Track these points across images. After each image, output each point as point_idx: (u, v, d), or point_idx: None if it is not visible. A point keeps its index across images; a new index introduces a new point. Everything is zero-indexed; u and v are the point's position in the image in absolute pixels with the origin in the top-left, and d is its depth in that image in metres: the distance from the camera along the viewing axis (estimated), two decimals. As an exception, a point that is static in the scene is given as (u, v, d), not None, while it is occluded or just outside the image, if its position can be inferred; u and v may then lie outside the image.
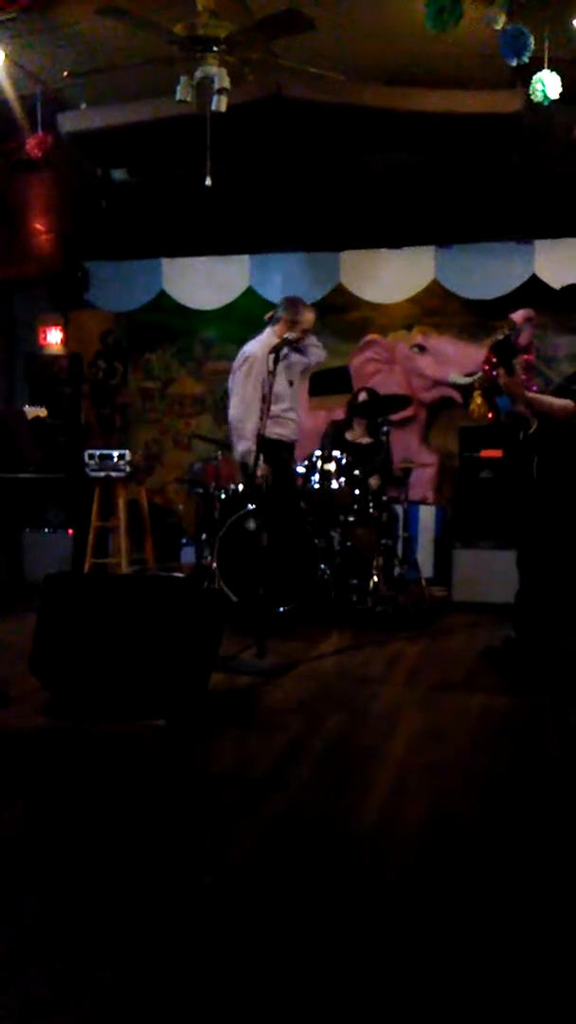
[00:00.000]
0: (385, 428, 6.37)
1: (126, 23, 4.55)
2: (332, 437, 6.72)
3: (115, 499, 6.81)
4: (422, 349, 7.62)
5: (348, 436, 6.72)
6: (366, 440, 6.66)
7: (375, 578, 6.07)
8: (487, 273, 7.02)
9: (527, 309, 6.76)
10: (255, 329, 7.92)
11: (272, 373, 4.69)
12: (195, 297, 7.74)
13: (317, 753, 3.05)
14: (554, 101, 4.68)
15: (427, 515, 7.24)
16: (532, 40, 4.35)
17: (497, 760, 3.03)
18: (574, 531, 4.23)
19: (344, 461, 6.19)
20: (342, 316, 7.85)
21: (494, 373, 5.89)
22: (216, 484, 6.38)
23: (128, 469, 6.72)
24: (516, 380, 4.19)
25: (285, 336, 4.81)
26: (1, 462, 4.47)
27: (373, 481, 6.31)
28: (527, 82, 4.71)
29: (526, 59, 4.43)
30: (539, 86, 4.60)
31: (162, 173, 6.88)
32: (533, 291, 6.78)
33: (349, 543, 6.21)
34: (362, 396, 6.76)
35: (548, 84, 4.59)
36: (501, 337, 4.51)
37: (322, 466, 6.21)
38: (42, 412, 5.06)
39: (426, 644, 5.09)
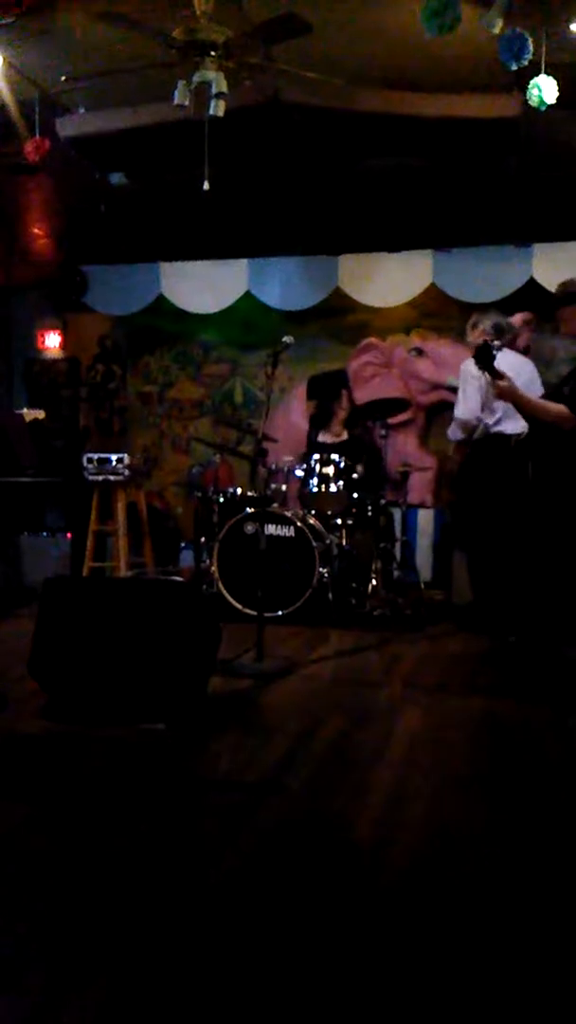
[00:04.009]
0: (384, 431, 6.38)
1: (124, 28, 4.56)
2: (308, 444, 6.78)
3: (114, 503, 6.82)
4: (420, 352, 7.63)
5: (322, 438, 6.76)
6: (343, 437, 6.71)
7: (373, 581, 6.08)
8: (485, 277, 7.04)
9: (525, 312, 6.77)
10: (253, 333, 8.00)
11: (270, 378, 4.68)
12: (193, 301, 7.76)
13: (316, 756, 3.05)
14: (551, 105, 4.68)
15: (425, 518, 7.26)
16: (531, 44, 4.36)
17: (497, 764, 3.03)
18: (571, 533, 4.23)
19: (343, 464, 6.21)
20: (340, 320, 7.86)
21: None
22: (215, 487, 6.39)
23: (127, 472, 6.73)
24: (508, 387, 4.18)
25: (284, 339, 4.78)
26: (-1, 466, 4.47)
27: (358, 468, 6.35)
28: (524, 86, 4.72)
29: (525, 63, 4.43)
30: (536, 91, 4.60)
31: (160, 177, 6.89)
32: (531, 295, 6.79)
33: (348, 546, 6.22)
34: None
35: (545, 89, 4.60)
36: (481, 343, 4.53)
37: (320, 469, 6.23)
38: (40, 414, 5.06)
39: (425, 647, 5.09)
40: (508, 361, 5.20)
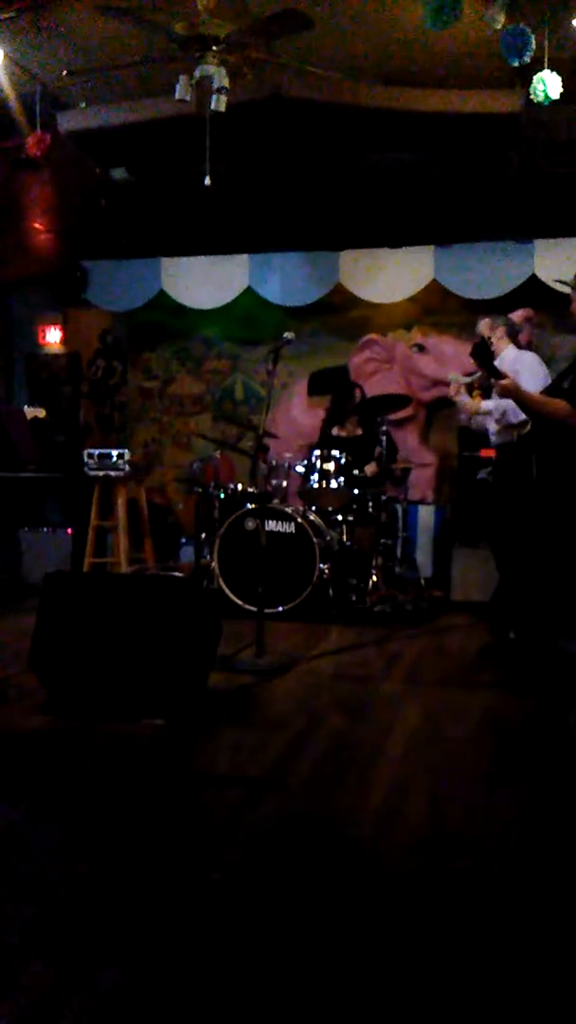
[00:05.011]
0: (384, 427, 6.37)
1: (126, 22, 4.55)
2: (321, 437, 6.75)
3: (114, 498, 6.82)
4: (421, 348, 7.63)
5: (336, 432, 6.74)
6: (358, 432, 6.69)
7: (374, 577, 6.08)
8: (486, 273, 7.03)
9: (526, 309, 6.77)
10: (254, 328, 8.00)
11: (271, 374, 4.67)
12: (194, 296, 7.75)
13: (316, 752, 3.05)
14: (554, 101, 4.68)
15: (426, 515, 7.25)
16: (533, 40, 4.36)
17: (496, 759, 3.03)
18: (574, 530, 4.23)
19: (343, 460, 6.21)
20: (341, 315, 7.86)
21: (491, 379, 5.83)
22: (215, 483, 6.39)
23: (127, 468, 6.73)
24: (509, 384, 4.20)
25: (285, 335, 4.77)
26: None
27: (369, 468, 6.32)
28: (527, 82, 4.71)
29: (527, 59, 4.43)
30: (540, 86, 4.60)
31: (161, 172, 6.89)
32: (532, 291, 6.79)
33: (348, 542, 6.22)
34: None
35: (549, 84, 4.60)
36: (479, 340, 4.54)
37: (321, 465, 6.22)
38: (40, 413, 5.06)
39: (425, 643, 5.09)
40: (526, 360, 5.14)
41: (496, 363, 4.92)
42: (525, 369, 4.87)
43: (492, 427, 5.18)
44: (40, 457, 5.58)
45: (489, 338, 4.81)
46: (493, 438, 5.16)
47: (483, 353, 4.24)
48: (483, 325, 5.23)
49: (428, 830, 2.39)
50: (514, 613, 4.68)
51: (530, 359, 5.06)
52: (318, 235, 7.36)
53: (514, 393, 4.17)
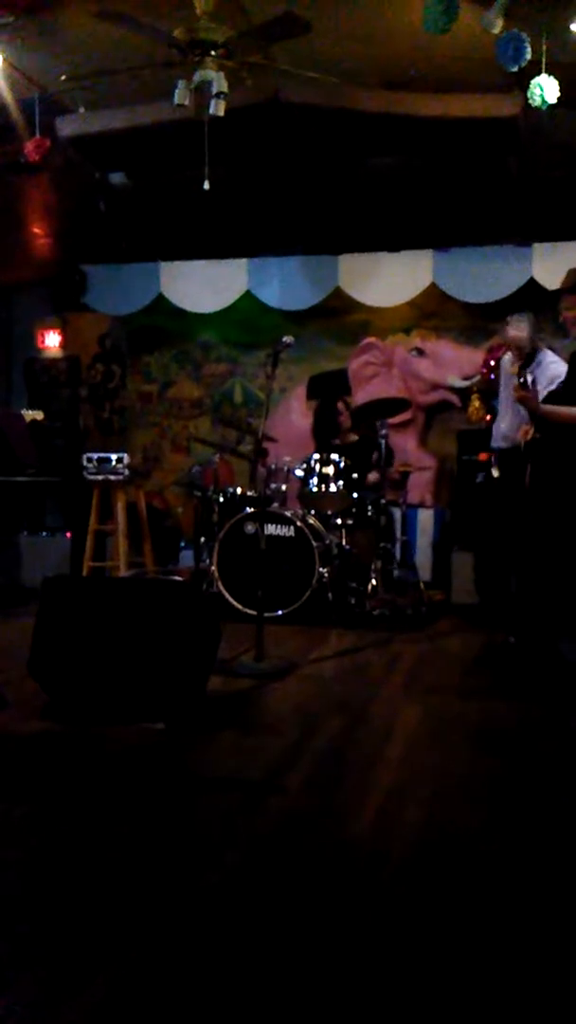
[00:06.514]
0: (384, 431, 6.37)
1: (124, 27, 4.56)
2: (317, 448, 6.74)
3: (113, 502, 6.82)
4: (420, 352, 7.63)
5: (333, 442, 6.73)
6: (354, 439, 6.68)
7: (373, 581, 6.08)
8: (485, 276, 7.04)
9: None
10: (253, 332, 8.00)
11: (270, 377, 4.67)
12: (193, 300, 7.76)
13: (316, 756, 3.05)
14: (551, 105, 4.69)
15: (425, 518, 7.26)
16: (528, 45, 4.36)
17: (496, 764, 3.03)
18: (568, 537, 4.25)
19: (343, 464, 6.20)
20: (340, 319, 7.87)
21: (491, 377, 5.85)
22: (214, 487, 6.39)
23: (126, 472, 6.73)
24: (530, 395, 4.26)
25: (284, 339, 4.75)
26: (-2, 465, 4.48)
27: (371, 476, 6.33)
28: (525, 86, 4.72)
29: (522, 64, 4.44)
30: (538, 90, 4.61)
31: (160, 177, 6.89)
32: (531, 294, 6.79)
33: (348, 546, 6.22)
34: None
35: (546, 88, 4.60)
36: (526, 356, 4.57)
37: (320, 469, 6.22)
38: (39, 415, 5.06)
39: (425, 647, 5.09)
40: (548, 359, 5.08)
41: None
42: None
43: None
44: (39, 461, 5.59)
45: (535, 351, 4.82)
46: (504, 429, 5.13)
47: (528, 363, 4.36)
48: (518, 329, 5.10)
49: (427, 833, 2.39)
50: (514, 617, 4.69)
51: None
52: (317, 239, 7.37)
53: (532, 405, 4.28)
